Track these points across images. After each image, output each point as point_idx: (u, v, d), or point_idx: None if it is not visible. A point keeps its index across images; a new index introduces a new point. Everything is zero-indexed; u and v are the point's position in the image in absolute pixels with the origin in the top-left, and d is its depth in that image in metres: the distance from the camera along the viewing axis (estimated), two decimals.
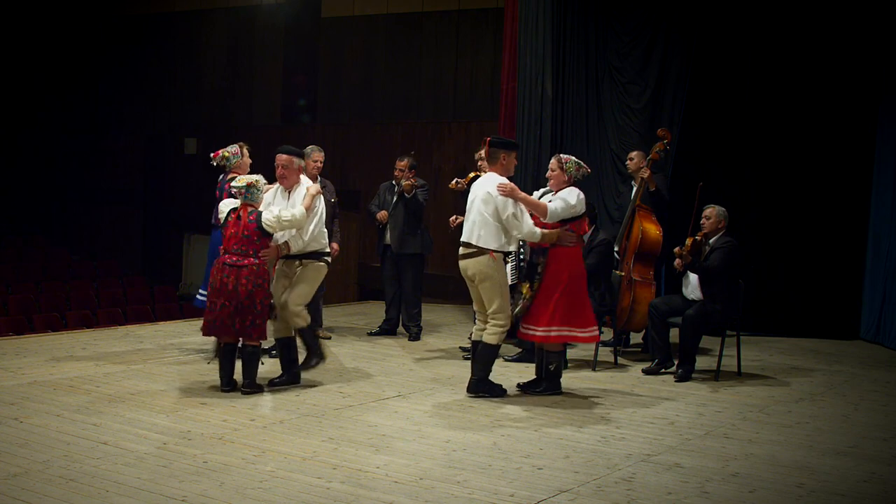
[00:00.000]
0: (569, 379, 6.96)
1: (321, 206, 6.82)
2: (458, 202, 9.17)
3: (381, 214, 8.98)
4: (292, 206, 6.67)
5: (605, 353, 8.17)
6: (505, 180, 6.62)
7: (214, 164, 7.43)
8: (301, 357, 6.98)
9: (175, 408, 6.16)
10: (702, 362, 7.84)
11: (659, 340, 7.72)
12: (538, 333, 6.66)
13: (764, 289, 9.77)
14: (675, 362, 7.57)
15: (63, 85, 17.51)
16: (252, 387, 6.59)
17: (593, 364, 7.87)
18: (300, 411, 6.18)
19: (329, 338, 8.96)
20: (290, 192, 6.76)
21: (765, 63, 9.92)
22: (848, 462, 5.40)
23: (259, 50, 15.56)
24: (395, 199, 8.97)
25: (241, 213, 6.57)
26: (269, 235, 6.56)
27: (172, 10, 16.47)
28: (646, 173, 8.27)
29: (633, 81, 10.01)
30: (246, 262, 6.47)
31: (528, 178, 9.60)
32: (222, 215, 6.68)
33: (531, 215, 6.63)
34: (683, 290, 7.80)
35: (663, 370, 7.66)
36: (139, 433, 5.52)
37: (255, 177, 6.72)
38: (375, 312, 10.38)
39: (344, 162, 13.96)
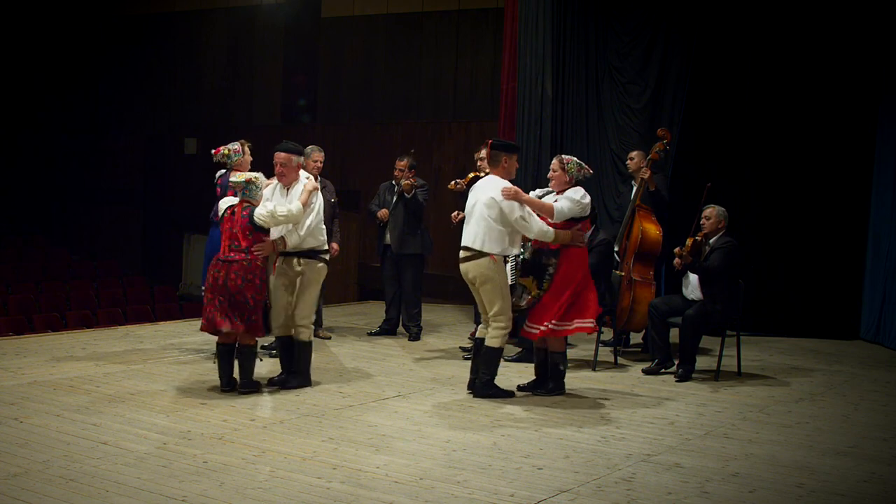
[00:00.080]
0: (569, 379, 6.96)
1: (318, 202, 6.79)
2: (458, 202, 9.17)
3: (382, 213, 8.98)
4: (289, 203, 6.67)
5: (605, 353, 8.17)
6: (508, 184, 6.61)
7: (215, 160, 7.42)
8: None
9: (175, 408, 6.16)
10: (702, 362, 7.84)
11: (659, 340, 7.72)
12: (538, 330, 6.66)
13: (764, 289, 9.77)
14: (675, 362, 7.58)
15: (63, 85, 17.51)
16: (249, 386, 6.58)
17: (593, 364, 7.88)
18: (300, 411, 6.18)
19: (329, 338, 8.96)
20: (288, 189, 6.76)
21: (765, 63, 9.92)
22: (848, 462, 5.40)
23: (259, 50, 15.56)
24: (394, 199, 8.97)
25: (235, 209, 6.58)
26: (263, 231, 6.53)
27: (172, 10, 16.47)
28: (646, 173, 8.27)
29: (633, 81, 10.01)
30: (237, 257, 6.47)
31: (528, 178, 9.58)
32: (222, 212, 6.69)
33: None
34: (683, 290, 7.80)
35: (663, 370, 7.66)
36: (139, 433, 5.52)
37: (254, 174, 6.72)
38: (375, 312, 10.38)
39: (344, 162, 13.96)
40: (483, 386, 6.69)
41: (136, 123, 16.99)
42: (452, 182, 8.27)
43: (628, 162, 8.67)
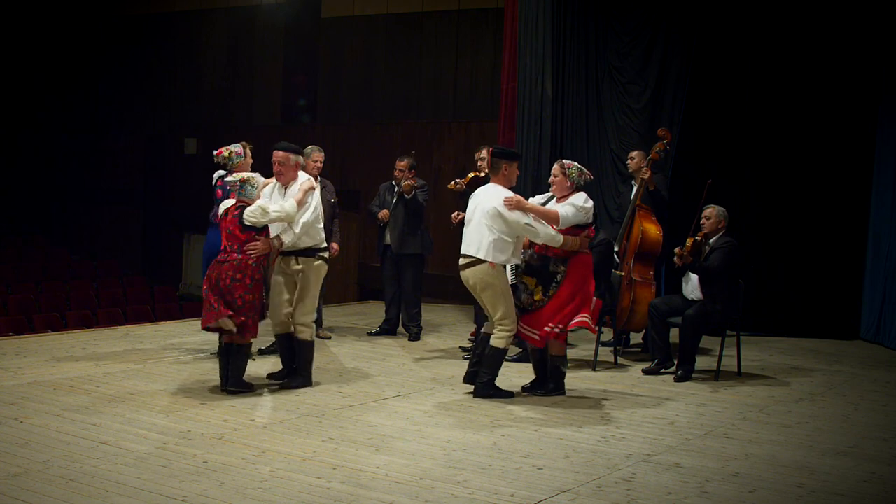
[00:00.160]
0: (569, 379, 6.96)
1: (314, 200, 6.77)
2: (458, 202, 9.17)
3: (383, 213, 8.98)
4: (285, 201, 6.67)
5: (605, 353, 8.17)
6: (510, 193, 6.60)
7: (217, 161, 7.41)
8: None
9: (175, 408, 6.16)
10: (702, 362, 7.84)
11: (659, 340, 7.72)
12: (526, 333, 6.66)
13: (764, 289, 9.77)
14: (675, 362, 7.57)
15: (63, 85, 17.51)
16: (238, 385, 6.56)
17: (593, 364, 7.88)
18: (300, 411, 6.18)
19: (329, 338, 8.97)
20: (286, 189, 6.75)
21: (765, 63, 9.92)
22: (848, 462, 5.40)
23: (259, 50, 15.56)
24: (395, 199, 8.97)
25: (229, 209, 6.58)
26: (255, 230, 6.50)
27: (172, 10, 16.47)
28: (646, 174, 8.27)
29: (633, 81, 10.01)
30: (230, 257, 6.47)
31: (528, 179, 9.59)
32: (221, 213, 6.69)
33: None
34: (683, 290, 7.80)
35: (663, 370, 7.66)
36: (139, 433, 5.52)
37: (249, 174, 6.72)
38: (375, 312, 10.38)
39: (344, 162, 13.96)
40: (483, 386, 6.69)
41: (136, 123, 16.99)
42: (452, 182, 8.27)
43: (628, 162, 8.66)
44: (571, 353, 7.95)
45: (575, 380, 7.19)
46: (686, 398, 6.89)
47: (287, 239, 6.67)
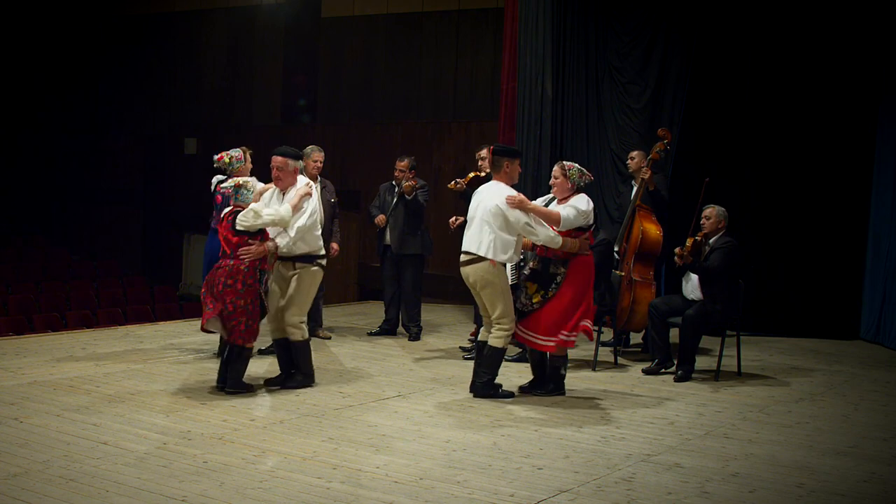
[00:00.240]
0: (569, 379, 6.96)
1: (311, 206, 6.72)
2: (458, 202, 9.18)
3: (379, 219, 8.97)
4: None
5: (605, 353, 8.17)
6: (512, 191, 6.60)
7: (217, 166, 7.39)
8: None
9: (175, 408, 6.16)
10: (702, 362, 7.84)
11: (659, 340, 7.72)
12: (539, 342, 6.65)
13: (764, 289, 9.77)
14: (675, 362, 7.57)
15: (63, 85, 17.52)
16: (236, 386, 6.55)
17: (593, 364, 7.88)
18: (300, 411, 6.18)
19: (329, 338, 8.97)
20: (284, 194, 6.74)
21: (765, 63, 9.92)
22: (848, 462, 5.40)
23: (259, 50, 15.56)
24: (395, 199, 8.97)
25: (225, 215, 6.58)
26: (249, 234, 6.47)
27: (172, 10, 16.47)
28: (647, 174, 8.27)
29: (633, 81, 10.01)
30: (224, 262, 6.47)
31: (528, 179, 9.59)
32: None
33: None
34: (683, 290, 7.80)
35: (663, 370, 7.66)
36: (139, 433, 5.52)
37: (244, 178, 6.71)
38: (375, 312, 10.38)
39: (344, 162, 13.96)
40: (483, 386, 6.69)
41: (136, 123, 16.99)
42: (453, 181, 8.27)
43: (629, 162, 8.66)
44: (571, 353, 7.92)
45: (575, 380, 7.20)
46: (686, 398, 6.89)
47: (282, 243, 6.65)
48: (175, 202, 16.33)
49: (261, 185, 6.79)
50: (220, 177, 7.49)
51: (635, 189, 8.42)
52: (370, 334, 9.25)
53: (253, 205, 6.52)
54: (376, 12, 14.16)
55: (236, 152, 7.37)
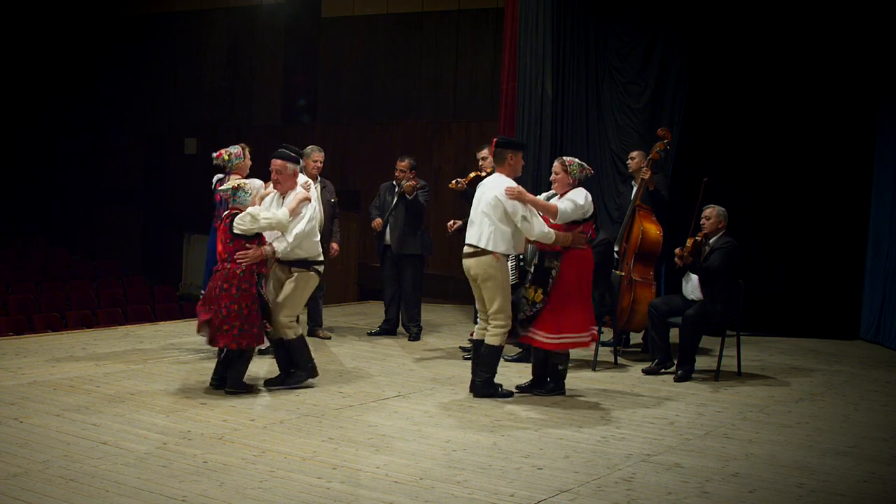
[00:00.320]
0: (569, 379, 6.96)
1: (310, 212, 6.70)
2: (459, 202, 9.18)
3: (376, 223, 8.98)
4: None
5: (605, 353, 8.17)
6: (512, 183, 6.61)
7: (216, 163, 7.39)
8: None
9: (175, 408, 6.16)
10: (702, 362, 7.84)
11: (659, 340, 7.72)
12: (546, 340, 6.65)
13: (764, 289, 9.77)
14: (675, 362, 7.57)
15: (63, 85, 17.52)
16: (236, 387, 6.55)
17: (593, 364, 7.87)
18: (300, 411, 6.18)
19: (329, 338, 8.97)
20: (284, 198, 6.73)
21: (765, 63, 9.92)
22: (848, 462, 5.40)
23: (259, 50, 15.56)
24: (395, 199, 8.97)
25: (223, 218, 6.58)
26: (245, 238, 6.45)
27: (172, 10, 16.47)
28: (646, 174, 8.27)
29: (633, 81, 10.01)
30: (221, 266, 6.48)
31: (527, 178, 9.58)
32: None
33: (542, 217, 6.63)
34: (683, 290, 7.80)
35: (663, 370, 7.66)
36: (139, 433, 5.52)
37: (243, 180, 6.70)
38: (375, 312, 10.38)
39: (344, 162, 13.96)
40: (482, 385, 6.69)
41: (136, 123, 16.99)
42: (454, 181, 8.27)
43: (629, 162, 8.66)
44: (571, 353, 7.91)
45: (575, 380, 7.20)
46: (686, 398, 6.89)
47: (279, 248, 6.65)
48: (175, 202, 16.33)
49: (259, 182, 6.79)
50: (220, 175, 7.48)
51: (635, 189, 8.41)
52: (370, 334, 9.25)
53: (250, 209, 6.50)
54: (376, 12, 14.16)
55: (235, 149, 7.36)
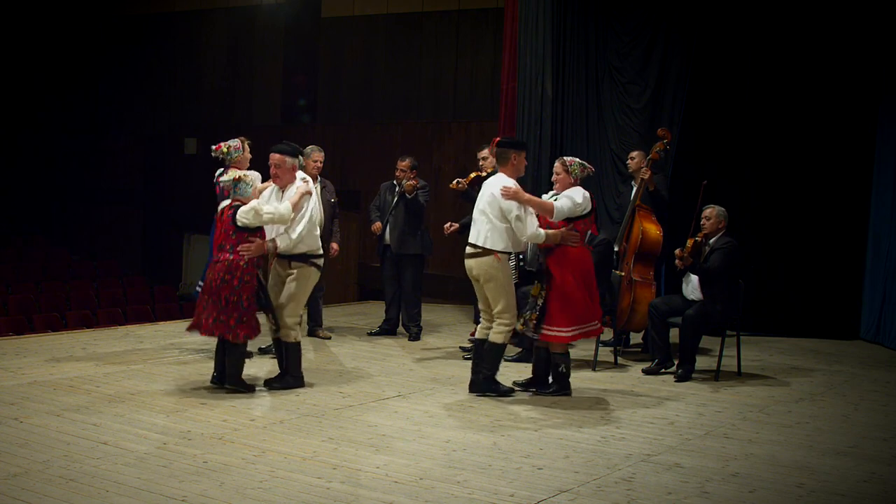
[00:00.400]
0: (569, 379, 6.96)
1: (310, 206, 6.71)
2: (459, 202, 9.19)
3: (376, 226, 8.98)
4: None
5: (605, 353, 8.17)
6: (510, 182, 6.61)
7: (215, 156, 7.38)
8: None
9: (175, 408, 6.16)
10: (702, 362, 7.84)
11: (659, 340, 7.72)
12: (552, 334, 6.65)
13: (764, 289, 9.77)
14: (675, 362, 7.57)
15: (63, 85, 17.52)
16: (235, 384, 6.55)
17: (593, 364, 7.87)
18: (300, 411, 6.18)
19: (329, 338, 8.96)
20: (283, 192, 6.74)
21: (765, 63, 9.92)
22: (848, 462, 5.40)
23: (259, 50, 15.56)
24: (395, 199, 8.97)
25: (224, 209, 6.57)
26: (248, 230, 6.46)
27: (172, 10, 16.47)
28: (646, 174, 8.27)
29: (633, 81, 10.01)
30: (223, 257, 6.46)
31: (528, 178, 9.58)
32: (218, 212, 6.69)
33: (537, 216, 6.63)
34: (683, 290, 7.80)
35: (663, 370, 7.66)
36: (139, 433, 5.52)
37: (244, 172, 6.70)
38: (375, 312, 10.38)
39: (344, 162, 13.96)
40: (484, 382, 6.70)
41: (136, 123, 16.99)
42: (455, 181, 8.28)
43: (629, 162, 8.66)
44: (571, 353, 7.91)
45: (575, 380, 7.18)
46: (686, 398, 6.89)
47: (282, 244, 6.65)
48: (175, 202, 16.33)
49: (256, 174, 6.79)
50: (221, 169, 7.49)
51: (635, 189, 8.41)
52: (370, 334, 9.25)
53: (253, 202, 6.50)
54: (376, 12, 14.16)
55: (234, 142, 7.36)
